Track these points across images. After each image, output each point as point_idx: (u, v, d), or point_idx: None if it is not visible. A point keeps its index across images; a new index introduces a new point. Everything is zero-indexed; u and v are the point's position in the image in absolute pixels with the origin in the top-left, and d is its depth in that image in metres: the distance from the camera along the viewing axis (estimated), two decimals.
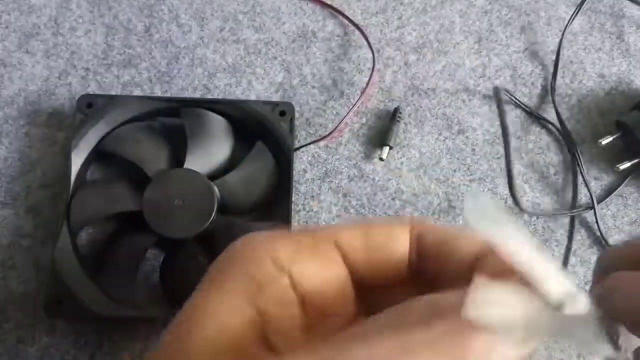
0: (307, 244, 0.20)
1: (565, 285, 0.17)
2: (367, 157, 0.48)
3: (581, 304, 0.17)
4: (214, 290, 0.19)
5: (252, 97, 0.50)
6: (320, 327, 0.20)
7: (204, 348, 0.18)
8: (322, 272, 0.20)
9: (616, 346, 0.18)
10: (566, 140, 0.50)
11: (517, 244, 0.17)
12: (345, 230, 0.21)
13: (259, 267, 0.19)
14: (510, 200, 0.44)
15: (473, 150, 0.49)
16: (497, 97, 0.42)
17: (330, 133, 0.48)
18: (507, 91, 0.51)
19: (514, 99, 0.50)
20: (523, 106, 0.51)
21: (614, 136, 0.48)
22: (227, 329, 0.18)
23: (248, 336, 0.18)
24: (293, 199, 0.45)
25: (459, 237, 0.21)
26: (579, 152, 0.48)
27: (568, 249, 0.46)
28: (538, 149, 0.50)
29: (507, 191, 0.48)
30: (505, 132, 0.41)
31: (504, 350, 0.16)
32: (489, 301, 0.16)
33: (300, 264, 0.19)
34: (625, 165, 0.47)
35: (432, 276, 0.21)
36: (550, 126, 0.50)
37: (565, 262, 0.45)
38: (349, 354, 0.15)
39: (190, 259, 0.42)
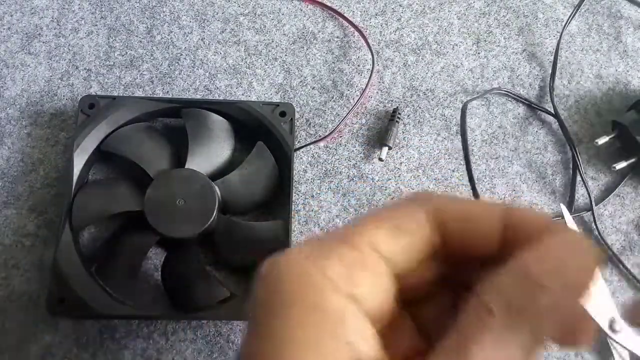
0: (354, 260, 0.19)
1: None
2: (367, 157, 0.49)
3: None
4: (291, 336, 0.17)
5: (253, 98, 0.50)
6: (389, 345, 0.19)
7: None
8: (374, 286, 0.19)
9: (614, 332, 0.20)
10: (565, 141, 0.50)
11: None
12: (378, 230, 0.20)
13: (325, 298, 0.17)
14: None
15: (471, 150, 0.50)
16: (462, 115, 0.44)
17: (330, 133, 0.49)
18: (507, 91, 0.51)
19: (515, 96, 0.51)
20: (524, 101, 0.51)
21: (611, 136, 0.48)
22: None
23: None
24: (293, 198, 0.46)
25: (481, 211, 0.20)
26: (577, 152, 0.49)
27: None
28: (536, 149, 0.50)
29: (506, 191, 0.48)
30: (466, 149, 0.42)
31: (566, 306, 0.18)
32: None
33: (356, 285, 0.18)
34: (622, 165, 0.47)
35: (459, 253, 0.21)
36: (548, 126, 0.51)
37: None
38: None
39: (192, 258, 0.43)
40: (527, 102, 0.51)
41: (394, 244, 0.20)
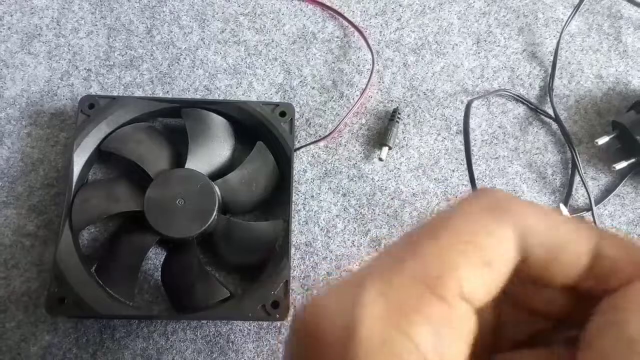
0: (441, 316, 0.16)
1: None
2: (367, 157, 0.49)
3: None
4: None
5: (253, 98, 0.50)
6: None
7: None
8: (463, 345, 0.16)
9: None
10: (565, 141, 0.50)
11: None
12: (465, 269, 0.16)
13: None
14: None
15: (472, 150, 0.50)
16: (467, 111, 0.43)
17: (330, 133, 0.49)
18: (513, 94, 0.51)
19: (517, 96, 0.51)
20: (526, 102, 0.51)
21: (611, 136, 0.48)
22: None
23: None
24: (293, 198, 0.46)
25: (570, 239, 0.17)
26: (577, 152, 0.49)
27: None
28: (536, 149, 0.50)
29: (506, 191, 0.48)
30: (467, 145, 0.42)
31: None
32: None
33: (447, 349, 0.16)
34: (622, 165, 0.47)
35: (536, 275, 0.18)
36: (548, 126, 0.51)
37: None
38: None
39: (192, 258, 0.43)
40: (530, 106, 0.51)
41: (482, 284, 0.17)
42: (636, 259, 0.17)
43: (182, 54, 0.51)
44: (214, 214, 0.42)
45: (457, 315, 0.16)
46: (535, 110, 0.51)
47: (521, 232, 0.17)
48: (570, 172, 0.50)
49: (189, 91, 0.50)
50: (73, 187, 0.43)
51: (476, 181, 0.49)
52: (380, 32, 0.53)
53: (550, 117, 0.51)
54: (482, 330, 0.18)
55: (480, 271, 0.16)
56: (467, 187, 0.48)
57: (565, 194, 0.49)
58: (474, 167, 0.49)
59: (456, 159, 0.49)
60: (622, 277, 0.17)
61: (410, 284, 0.16)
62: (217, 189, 0.43)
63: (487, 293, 0.17)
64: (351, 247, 0.46)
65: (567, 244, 0.17)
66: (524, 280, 0.18)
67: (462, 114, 0.51)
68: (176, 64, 0.51)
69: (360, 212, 0.47)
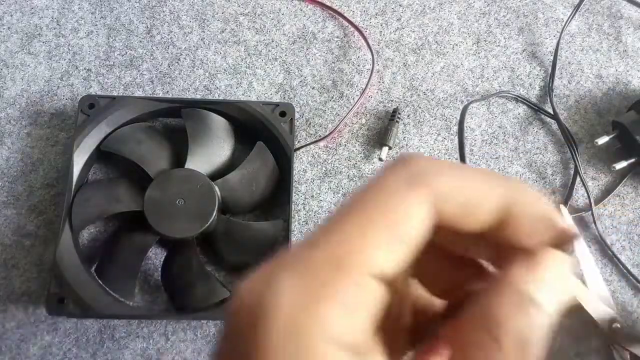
0: (351, 296, 0.16)
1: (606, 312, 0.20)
2: (367, 157, 0.49)
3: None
4: None
5: (253, 98, 0.50)
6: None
7: None
8: (369, 317, 0.17)
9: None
10: (565, 141, 0.50)
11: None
12: (376, 247, 0.17)
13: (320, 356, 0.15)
14: None
15: (471, 150, 0.50)
16: (462, 116, 0.44)
17: (330, 133, 0.49)
18: (508, 91, 0.51)
19: (517, 96, 0.51)
20: (527, 103, 0.51)
21: (611, 136, 0.48)
22: None
23: None
24: (293, 198, 0.46)
25: (478, 198, 0.19)
26: (577, 152, 0.49)
27: None
28: (536, 149, 0.50)
29: None
30: (462, 149, 0.42)
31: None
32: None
33: (354, 328, 0.16)
34: (622, 165, 0.47)
35: (450, 229, 0.19)
36: (548, 126, 0.51)
37: None
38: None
39: (192, 258, 0.43)
40: (531, 105, 0.51)
41: (393, 259, 0.17)
42: (541, 220, 0.19)
43: (182, 54, 0.51)
44: (214, 214, 0.42)
45: (365, 292, 0.16)
46: (535, 109, 0.51)
47: (437, 200, 0.18)
48: (570, 172, 0.50)
49: (189, 91, 0.50)
50: (73, 187, 0.43)
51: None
52: (380, 32, 0.53)
53: (550, 116, 0.51)
54: (395, 300, 0.18)
55: (392, 247, 0.17)
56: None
57: (566, 194, 0.49)
58: (473, 167, 0.49)
59: (456, 158, 0.49)
60: (528, 236, 0.19)
61: (322, 265, 0.16)
62: (217, 189, 0.43)
63: (399, 265, 0.17)
64: None
65: (478, 203, 0.19)
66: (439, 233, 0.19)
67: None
68: (176, 64, 0.51)
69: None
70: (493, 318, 0.17)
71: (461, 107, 0.51)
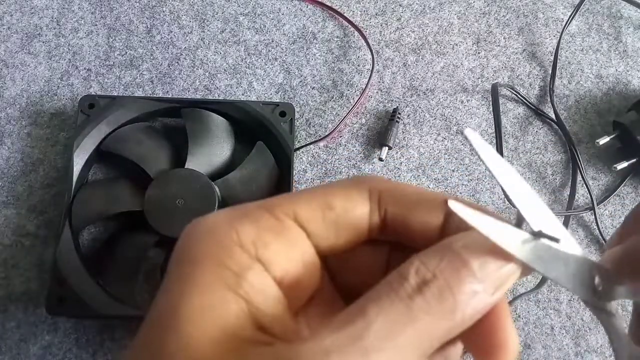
0: (269, 225, 0.19)
1: (549, 219, 0.19)
2: (367, 157, 0.49)
3: (559, 237, 0.19)
4: (191, 286, 0.18)
5: (253, 98, 0.50)
6: (303, 307, 0.20)
7: (199, 346, 0.17)
8: (287, 252, 0.19)
9: (595, 292, 0.19)
10: (565, 141, 0.50)
11: (508, 176, 0.19)
12: (304, 204, 0.20)
13: (230, 256, 0.18)
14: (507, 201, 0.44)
15: (471, 150, 0.50)
16: (494, 94, 0.43)
17: (330, 133, 0.49)
18: (512, 88, 0.51)
19: (518, 96, 0.51)
20: (526, 102, 0.51)
21: (611, 136, 0.48)
22: (226, 322, 0.17)
23: (245, 324, 0.18)
24: None
25: (421, 203, 0.20)
26: (577, 152, 0.49)
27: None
28: (536, 149, 0.50)
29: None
30: (498, 127, 0.42)
31: (485, 297, 0.18)
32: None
33: (266, 247, 0.19)
34: (622, 165, 0.47)
35: (396, 237, 0.21)
36: (548, 126, 0.51)
37: None
38: (371, 327, 0.16)
39: None
40: (531, 106, 0.51)
41: (321, 220, 0.20)
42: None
43: (182, 54, 0.51)
44: None
45: (285, 229, 0.19)
46: (535, 111, 0.51)
47: (376, 189, 0.21)
48: (570, 172, 0.50)
49: (189, 91, 0.50)
50: (73, 187, 0.43)
51: (477, 181, 0.49)
52: (380, 32, 0.53)
53: (550, 118, 0.51)
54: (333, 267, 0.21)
55: (320, 210, 0.20)
56: (467, 187, 0.48)
57: (569, 195, 0.49)
58: (473, 166, 0.49)
59: (456, 158, 0.49)
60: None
61: (254, 207, 0.20)
62: (217, 189, 0.43)
63: (330, 233, 0.20)
64: None
65: (420, 205, 0.20)
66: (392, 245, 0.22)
67: (464, 113, 0.51)
68: (176, 64, 0.51)
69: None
70: (408, 261, 0.18)
71: (462, 107, 0.51)
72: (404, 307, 0.17)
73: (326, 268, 0.22)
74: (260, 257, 0.19)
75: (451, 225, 0.20)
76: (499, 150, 0.46)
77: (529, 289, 0.45)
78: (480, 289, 0.17)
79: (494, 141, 0.48)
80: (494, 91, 0.46)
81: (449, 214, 0.20)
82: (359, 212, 0.20)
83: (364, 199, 0.21)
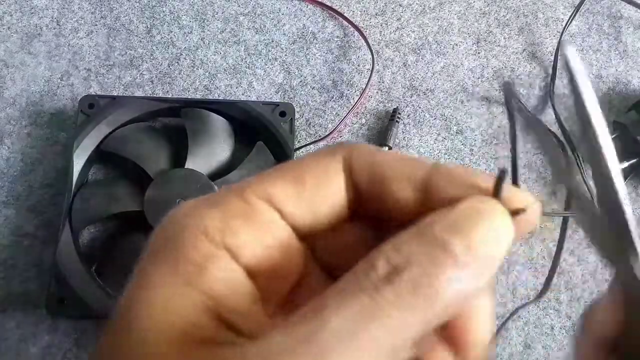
0: (237, 210, 0.18)
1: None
2: None
3: None
4: (147, 280, 0.17)
5: (253, 98, 0.50)
6: (274, 295, 0.19)
7: (153, 339, 0.16)
8: (260, 237, 0.18)
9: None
10: (565, 141, 0.50)
11: None
12: (276, 184, 0.18)
13: (193, 246, 0.17)
14: None
15: (471, 150, 0.50)
16: (507, 94, 0.43)
17: (330, 133, 0.49)
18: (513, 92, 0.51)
19: (519, 103, 0.51)
20: (525, 110, 0.51)
21: (611, 137, 0.48)
22: (183, 319, 0.16)
23: (203, 321, 0.16)
24: None
25: (395, 171, 0.18)
26: (577, 152, 0.49)
27: (559, 248, 0.46)
28: (536, 149, 0.50)
29: None
30: (513, 127, 0.42)
31: (469, 284, 0.16)
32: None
33: (234, 234, 0.17)
34: (622, 165, 0.47)
35: (375, 210, 0.19)
36: (548, 126, 0.51)
37: (556, 261, 0.45)
38: (327, 325, 0.14)
39: None
40: (530, 115, 0.51)
41: (294, 196, 0.18)
42: (465, 180, 0.18)
43: (182, 54, 0.51)
44: None
45: (255, 212, 0.18)
46: (533, 118, 0.51)
47: (348, 161, 0.19)
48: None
49: (189, 91, 0.50)
50: (73, 187, 0.43)
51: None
52: (380, 32, 0.53)
53: (548, 127, 0.50)
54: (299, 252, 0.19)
55: (292, 187, 0.18)
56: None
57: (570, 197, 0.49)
58: (473, 166, 0.49)
59: (456, 158, 0.49)
60: (449, 199, 0.17)
61: (223, 192, 0.18)
62: (217, 189, 0.43)
63: (305, 212, 0.18)
64: None
65: (395, 175, 0.18)
66: (370, 221, 0.19)
67: (464, 113, 0.51)
68: (176, 64, 0.51)
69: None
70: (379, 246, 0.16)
71: (462, 107, 0.51)
72: (368, 300, 0.15)
73: (313, 251, 0.20)
74: (228, 246, 0.17)
75: (433, 198, 0.18)
76: (513, 147, 0.45)
77: (530, 299, 0.45)
78: (464, 275, 0.15)
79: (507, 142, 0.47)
80: (507, 90, 0.45)
81: (430, 187, 0.18)
82: (334, 185, 0.18)
83: (337, 170, 0.19)
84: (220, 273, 0.17)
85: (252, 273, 0.17)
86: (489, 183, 0.17)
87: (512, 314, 0.44)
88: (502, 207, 0.17)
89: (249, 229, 0.18)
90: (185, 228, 0.17)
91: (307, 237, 0.19)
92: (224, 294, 0.17)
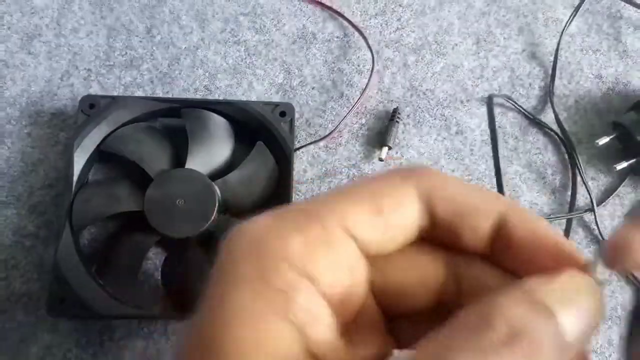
0: (317, 235, 0.17)
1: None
2: (367, 157, 0.49)
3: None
4: (235, 311, 0.16)
5: (253, 98, 0.50)
6: (353, 326, 0.18)
7: None
8: (337, 265, 0.17)
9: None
10: (564, 141, 0.50)
11: None
12: (351, 208, 0.18)
13: (277, 273, 0.16)
14: None
15: (471, 150, 0.50)
16: (489, 106, 0.43)
17: (330, 133, 0.49)
18: (508, 97, 0.51)
19: (516, 105, 0.51)
20: (523, 111, 0.51)
21: (611, 137, 0.48)
22: (277, 355, 0.15)
23: (300, 357, 0.16)
24: (293, 199, 0.46)
25: (474, 205, 0.18)
26: (577, 152, 0.49)
27: None
28: (536, 149, 0.50)
29: (506, 191, 0.48)
30: (494, 141, 0.42)
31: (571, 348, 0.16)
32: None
33: (316, 262, 0.17)
34: (622, 165, 0.48)
35: (449, 241, 0.19)
36: (547, 128, 0.51)
37: None
38: None
39: (192, 258, 0.43)
40: (527, 115, 0.51)
41: (370, 223, 0.18)
42: (540, 237, 0.18)
43: (182, 54, 0.51)
44: (214, 213, 0.42)
45: (335, 239, 0.17)
46: (533, 120, 0.51)
47: (426, 190, 0.18)
48: (571, 172, 0.50)
49: (189, 91, 0.50)
50: (73, 187, 0.43)
51: (476, 181, 0.49)
52: (380, 32, 0.53)
53: (547, 126, 0.50)
54: (382, 283, 0.19)
55: (369, 215, 0.18)
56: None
57: (570, 196, 0.49)
58: (473, 166, 0.49)
59: (456, 158, 0.49)
60: (526, 255, 0.18)
61: (300, 215, 0.18)
62: (217, 188, 0.43)
63: (379, 239, 0.18)
64: None
65: (472, 206, 0.18)
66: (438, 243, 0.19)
67: (464, 113, 0.51)
68: (176, 64, 0.51)
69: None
70: (489, 304, 0.16)
71: (462, 107, 0.51)
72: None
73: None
74: (309, 274, 0.17)
75: (506, 233, 0.18)
76: (495, 157, 0.46)
77: None
78: (568, 341, 0.16)
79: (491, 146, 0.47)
80: (490, 102, 0.46)
81: (503, 224, 0.18)
82: (409, 214, 0.18)
83: (413, 198, 0.18)
84: (306, 303, 0.16)
85: (328, 301, 0.17)
86: (569, 247, 0.18)
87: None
88: (597, 287, 0.17)
89: (328, 257, 0.17)
90: (267, 252, 0.17)
91: (371, 259, 0.19)
92: (312, 326, 0.16)
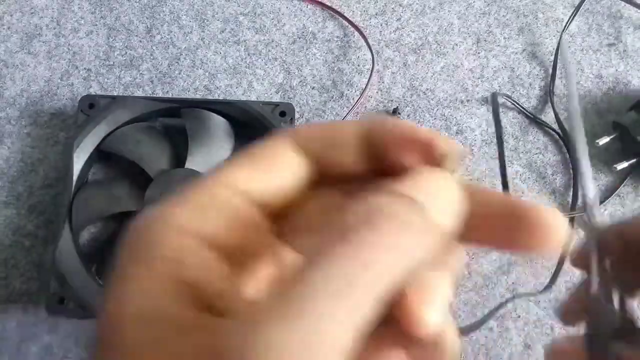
0: (202, 198, 0.19)
1: None
2: None
3: None
4: (126, 277, 0.17)
5: (253, 98, 0.50)
6: (248, 274, 0.19)
7: (130, 331, 0.16)
8: (225, 218, 0.19)
9: None
10: (564, 141, 0.50)
11: None
12: (234, 171, 0.20)
13: (164, 242, 0.17)
14: None
15: (471, 150, 0.50)
16: (494, 103, 0.43)
17: None
18: (508, 96, 0.51)
19: (516, 105, 0.51)
20: (524, 111, 0.51)
21: (611, 137, 0.48)
22: (152, 302, 0.16)
23: (179, 305, 0.16)
24: None
25: (336, 129, 0.21)
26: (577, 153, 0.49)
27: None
28: (536, 149, 0.50)
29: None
30: (500, 139, 0.42)
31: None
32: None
33: (206, 223, 0.18)
34: (622, 165, 0.47)
35: (336, 174, 0.21)
36: (548, 127, 0.51)
37: (561, 262, 0.45)
38: (310, 289, 0.13)
39: None
40: (527, 114, 0.51)
41: (257, 180, 0.20)
42: (403, 132, 0.20)
43: (182, 54, 0.51)
44: None
45: (220, 197, 0.19)
46: (533, 119, 0.51)
47: (301, 140, 0.21)
48: (570, 172, 0.50)
49: (189, 91, 0.50)
50: (73, 187, 0.43)
51: (476, 182, 0.49)
52: (380, 32, 0.53)
53: (547, 125, 0.50)
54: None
55: (251, 169, 0.20)
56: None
57: (572, 196, 0.49)
58: (474, 166, 0.49)
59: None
60: (396, 150, 0.20)
61: (190, 187, 0.20)
62: None
63: (273, 187, 0.20)
64: None
65: (337, 138, 0.20)
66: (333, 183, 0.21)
67: (464, 113, 0.51)
68: (176, 64, 0.51)
69: None
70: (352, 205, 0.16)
71: (462, 107, 0.51)
72: (349, 245, 0.14)
73: (280, 230, 0.21)
74: (199, 235, 0.18)
75: (375, 143, 0.20)
76: (501, 153, 0.45)
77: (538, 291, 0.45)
78: (430, 219, 0.16)
79: (495, 144, 0.47)
80: (494, 99, 0.45)
81: (367, 134, 0.20)
82: (285, 164, 0.21)
83: (286, 151, 0.21)
84: (191, 260, 0.17)
85: (223, 253, 0.18)
86: (426, 137, 0.20)
87: (503, 303, 0.44)
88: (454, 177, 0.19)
89: (217, 215, 0.19)
90: (156, 226, 0.18)
91: (274, 214, 0.20)
92: (202, 278, 0.17)
